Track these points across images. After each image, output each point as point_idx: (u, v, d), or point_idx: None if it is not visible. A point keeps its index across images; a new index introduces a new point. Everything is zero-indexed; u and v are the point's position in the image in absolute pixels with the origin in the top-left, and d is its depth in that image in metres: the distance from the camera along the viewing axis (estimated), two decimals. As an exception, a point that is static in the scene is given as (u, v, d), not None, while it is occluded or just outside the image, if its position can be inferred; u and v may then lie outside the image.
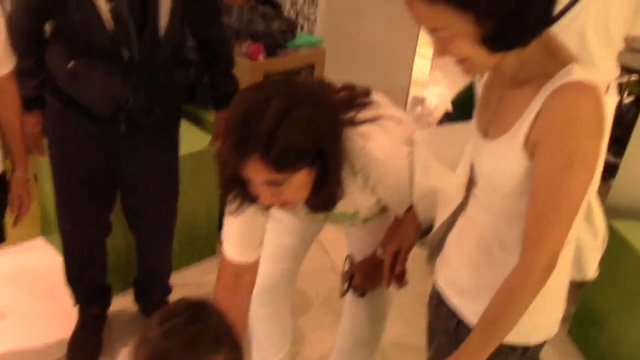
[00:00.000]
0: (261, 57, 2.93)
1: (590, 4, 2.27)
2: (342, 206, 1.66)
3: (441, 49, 1.23)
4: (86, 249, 2.34)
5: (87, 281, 2.42)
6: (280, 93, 1.38)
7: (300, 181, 1.44)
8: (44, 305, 2.68)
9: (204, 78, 2.16)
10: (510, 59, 1.26)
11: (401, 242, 1.73)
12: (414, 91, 4.36)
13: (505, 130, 1.28)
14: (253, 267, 1.74)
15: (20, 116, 1.97)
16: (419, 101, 4.25)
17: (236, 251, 1.69)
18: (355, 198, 1.66)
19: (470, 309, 1.44)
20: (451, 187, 1.53)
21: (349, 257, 1.98)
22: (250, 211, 1.60)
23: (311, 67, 3.15)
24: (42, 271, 2.86)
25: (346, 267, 1.96)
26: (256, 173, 1.39)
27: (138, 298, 2.61)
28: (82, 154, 2.08)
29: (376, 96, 1.68)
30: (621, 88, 3.82)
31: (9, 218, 2.07)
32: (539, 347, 1.46)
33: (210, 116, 2.76)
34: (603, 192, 2.87)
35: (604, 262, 2.55)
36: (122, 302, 2.67)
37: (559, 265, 1.31)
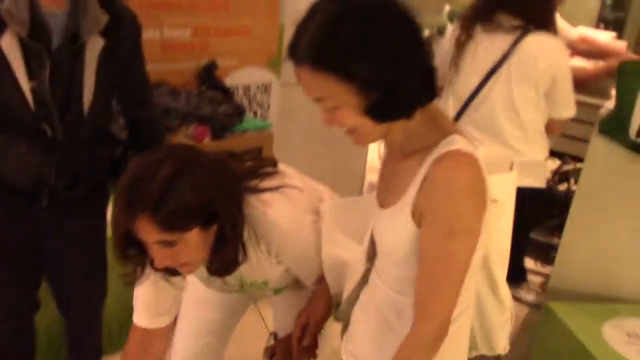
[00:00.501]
0: (207, 140, 2.99)
1: (494, 88, 2.38)
2: (250, 274, 1.69)
3: (328, 119, 1.29)
4: (10, 329, 2.29)
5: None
6: (173, 157, 1.43)
7: (194, 241, 1.46)
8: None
9: (131, 155, 2.19)
10: (397, 130, 1.32)
11: (311, 314, 1.74)
12: (370, 177, 4.43)
13: (396, 200, 1.33)
14: (161, 335, 1.73)
15: None
16: (375, 186, 4.31)
17: (141, 316, 1.69)
18: (262, 266, 1.68)
19: None
20: (354, 259, 1.55)
21: (274, 334, 1.98)
22: (155, 276, 1.61)
23: (259, 151, 3.21)
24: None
25: (270, 343, 1.96)
26: (147, 233, 1.42)
27: (67, 380, 2.55)
28: (3, 230, 2.08)
29: (282, 167, 1.73)
30: (568, 176, 3.91)
31: None
32: None
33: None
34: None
35: (544, 343, 2.54)
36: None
37: (454, 336, 1.32)
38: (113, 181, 2.24)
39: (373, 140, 1.35)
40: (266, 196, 1.59)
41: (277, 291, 1.82)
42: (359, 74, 1.20)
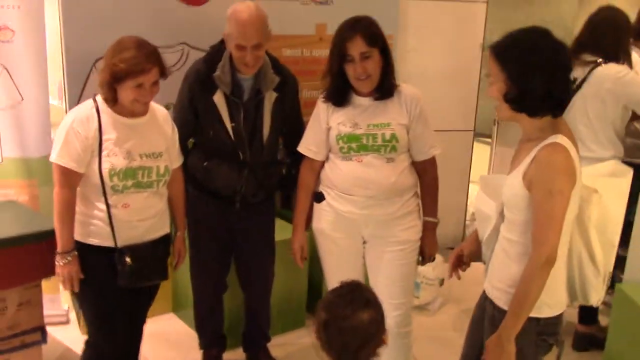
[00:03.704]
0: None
1: (575, 104, 3.35)
2: (382, 116, 2.64)
3: (488, 90, 2.05)
4: (210, 300, 3.20)
5: (209, 327, 3.26)
6: None
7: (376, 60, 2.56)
8: (173, 356, 3.51)
9: (292, 172, 3.06)
10: (523, 120, 2.02)
11: (463, 247, 2.44)
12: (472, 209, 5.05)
13: (515, 168, 2.05)
14: (316, 167, 2.82)
15: (184, 195, 2.87)
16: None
17: (310, 151, 2.80)
18: (394, 110, 2.63)
19: (503, 299, 2.07)
20: (491, 213, 2.19)
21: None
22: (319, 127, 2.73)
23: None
24: (173, 336, 3.70)
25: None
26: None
27: (246, 346, 3.40)
28: (210, 226, 3.01)
29: None
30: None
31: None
32: (549, 320, 2.06)
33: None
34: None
35: (616, 322, 2.94)
36: (234, 355, 3.45)
37: (556, 268, 1.97)
38: (280, 192, 3.15)
39: (504, 118, 2.06)
40: None
41: (387, 142, 2.66)
42: (510, 69, 1.94)
